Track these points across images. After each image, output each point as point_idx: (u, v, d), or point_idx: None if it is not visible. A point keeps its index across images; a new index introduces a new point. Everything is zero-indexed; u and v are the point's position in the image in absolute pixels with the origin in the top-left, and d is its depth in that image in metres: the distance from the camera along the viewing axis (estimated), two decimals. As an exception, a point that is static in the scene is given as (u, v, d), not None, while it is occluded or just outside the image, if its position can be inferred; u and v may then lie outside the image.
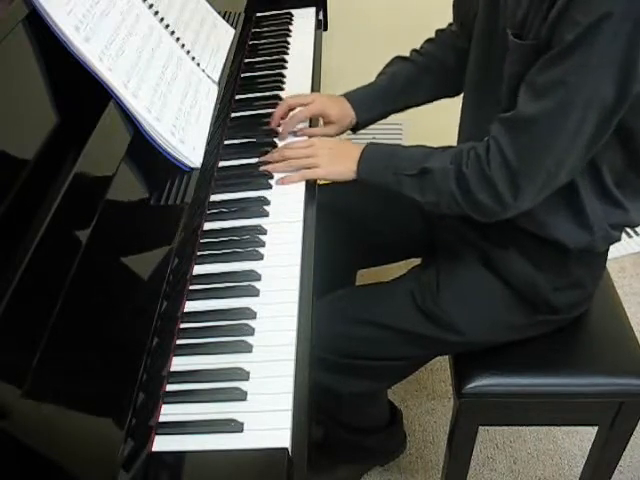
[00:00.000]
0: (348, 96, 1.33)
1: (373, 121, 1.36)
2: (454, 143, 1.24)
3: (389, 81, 1.34)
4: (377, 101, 1.34)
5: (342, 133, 1.33)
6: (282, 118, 1.28)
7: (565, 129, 0.96)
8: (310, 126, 1.30)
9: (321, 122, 1.33)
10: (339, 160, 1.16)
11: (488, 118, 1.07)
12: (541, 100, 0.97)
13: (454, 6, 1.26)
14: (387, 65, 1.38)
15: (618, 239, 1.15)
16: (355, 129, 1.36)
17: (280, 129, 1.26)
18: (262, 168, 1.17)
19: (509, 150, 1.00)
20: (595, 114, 0.95)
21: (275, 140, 1.25)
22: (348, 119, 1.31)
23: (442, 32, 1.36)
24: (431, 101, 1.38)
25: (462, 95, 1.25)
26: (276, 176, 1.16)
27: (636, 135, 1.03)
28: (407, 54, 1.37)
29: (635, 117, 1.00)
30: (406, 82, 1.33)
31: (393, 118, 1.41)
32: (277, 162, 1.17)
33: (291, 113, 1.28)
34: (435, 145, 1.15)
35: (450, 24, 1.35)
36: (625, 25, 0.89)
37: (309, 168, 1.15)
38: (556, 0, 0.94)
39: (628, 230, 2.24)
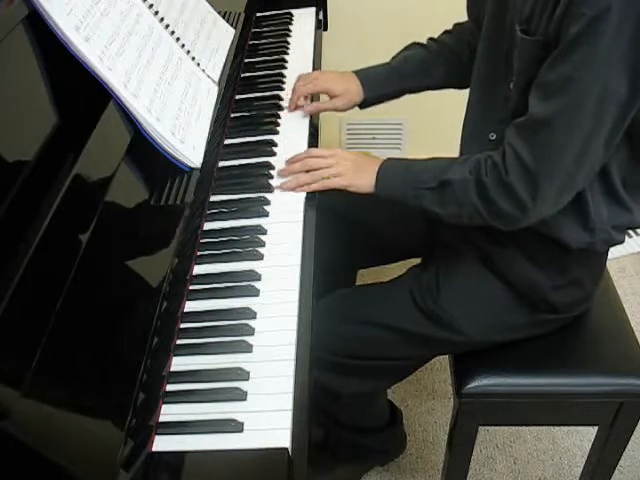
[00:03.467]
0: (358, 72, 1.35)
1: (380, 99, 1.38)
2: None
3: (401, 62, 1.36)
4: (386, 80, 1.35)
5: (350, 108, 1.37)
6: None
7: (580, 127, 0.95)
8: (312, 101, 1.34)
9: (326, 97, 1.36)
10: (360, 172, 1.15)
11: (493, 114, 1.06)
12: (552, 99, 0.96)
13: (467, 5, 1.26)
14: (403, 49, 1.39)
15: (620, 241, 1.14)
16: (362, 106, 1.38)
17: (287, 104, 1.32)
18: (281, 173, 1.16)
19: (525, 153, 0.99)
20: (610, 110, 0.93)
21: (275, 140, 1.25)
22: (354, 94, 1.34)
23: (460, 26, 1.36)
24: (440, 88, 1.39)
25: (468, 91, 1.25)
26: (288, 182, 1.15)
27: None
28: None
29: None
30: (419, 65, 1.35)
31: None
32: (298, 171, 1.15)
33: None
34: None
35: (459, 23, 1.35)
36: (627, 19, 0.88)
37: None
38: None
39: (628, 230, 2.23)
